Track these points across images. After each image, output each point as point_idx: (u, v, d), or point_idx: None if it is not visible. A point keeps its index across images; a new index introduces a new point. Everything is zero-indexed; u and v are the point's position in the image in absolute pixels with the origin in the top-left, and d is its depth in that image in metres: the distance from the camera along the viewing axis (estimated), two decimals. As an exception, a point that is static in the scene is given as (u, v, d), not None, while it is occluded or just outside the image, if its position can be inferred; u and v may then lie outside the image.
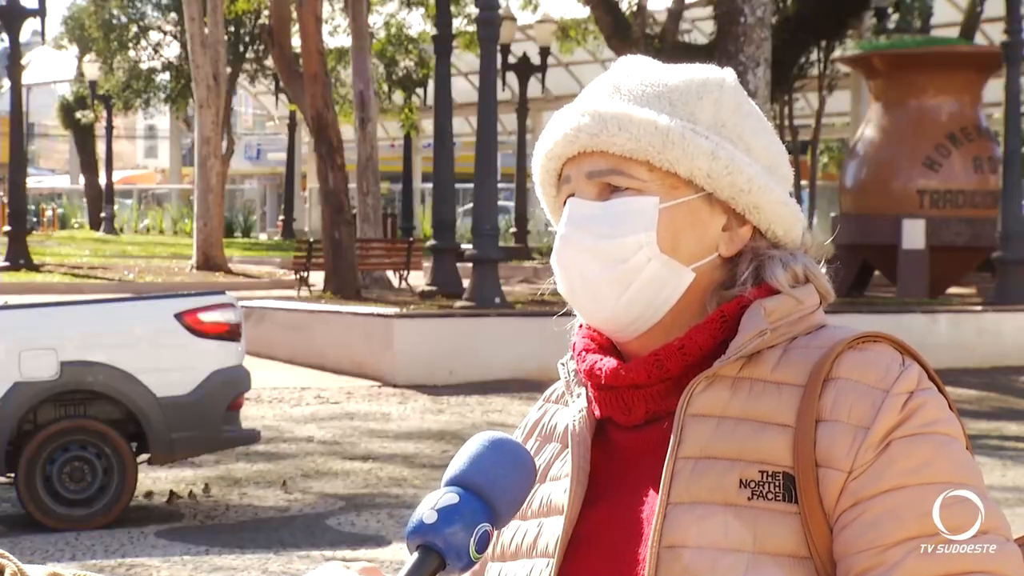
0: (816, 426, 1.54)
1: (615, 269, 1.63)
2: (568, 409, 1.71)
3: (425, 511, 1.50)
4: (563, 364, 1.74)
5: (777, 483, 1.53)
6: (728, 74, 1.71)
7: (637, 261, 1.62)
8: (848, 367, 1.57)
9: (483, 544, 1.50)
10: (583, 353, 1.70)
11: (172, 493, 9.95)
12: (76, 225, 50.11)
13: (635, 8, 22.71)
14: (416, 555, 1.49)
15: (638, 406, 1.63)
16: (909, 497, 1.51)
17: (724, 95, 1.67)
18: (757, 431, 1.56)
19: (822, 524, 1.53)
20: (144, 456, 9.48)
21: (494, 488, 1.52)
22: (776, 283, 1.63)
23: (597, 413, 1.67)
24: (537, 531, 1.66)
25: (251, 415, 12.59)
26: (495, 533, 1.54)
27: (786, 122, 31.25)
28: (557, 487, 1.66)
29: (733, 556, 1.51)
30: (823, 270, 1.69)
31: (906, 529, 1.50)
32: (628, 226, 1.62)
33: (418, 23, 37.32)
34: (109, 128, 45.36)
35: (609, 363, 1.65)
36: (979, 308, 19.26)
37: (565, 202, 1.68)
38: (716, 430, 1.57)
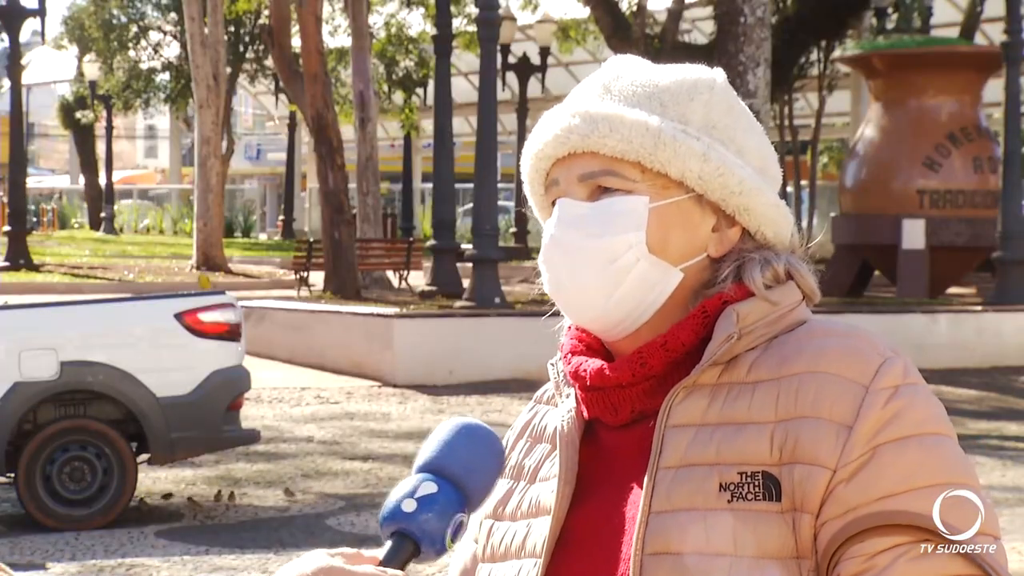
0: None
1: (604, 269, 1.62)
2: (557, 410, 1.71)
3: (403, 499, 1.52)
4: (552, 365, 1.74)
5: (757, 483, 1.52)
6: (718, 74, 1.70)
7: (626, 261, 1.62)
8: (827, 360, 1.56)
9: (457, 532, 1.51)
10: (569, 355, 1.70)
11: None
12: (76, 225, 50.09)
13: (635, 8, 22.71)
14: (392, 541, 1.52)
15: (624, 406, 1.63)
16: (899, 505, 1.50)
17: (715, 96, 1.67)
18: (734, 433, 1.55)
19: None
20: (144, 456, 9.48)
21: (469, 477, 1.53)
22: (752, 285, 1.62)
23: (585, 414, 1.67)
24: (526, 532, 1.66)
25: (251, 415, 12.58)
26: (468, 522, 1.55)
27: (786, 122, 31.25)
28: (546, 488, 1.67)
29: (716, 560, 1.51)
30: (810, 270, 1.68)
31: (895, 538, 1.49)
32: (618, 226, 1.62)
33: (418, 23, 37.32)
34: (109, 128, 45.34)
35: (594, 364, 1.65)
36: (979, 308, 19.25)
37: (554, 203, 1.68)
38: (695, 438, 1.56)
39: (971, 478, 1.54)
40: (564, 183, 1.66)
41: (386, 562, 1.49)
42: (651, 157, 1.62)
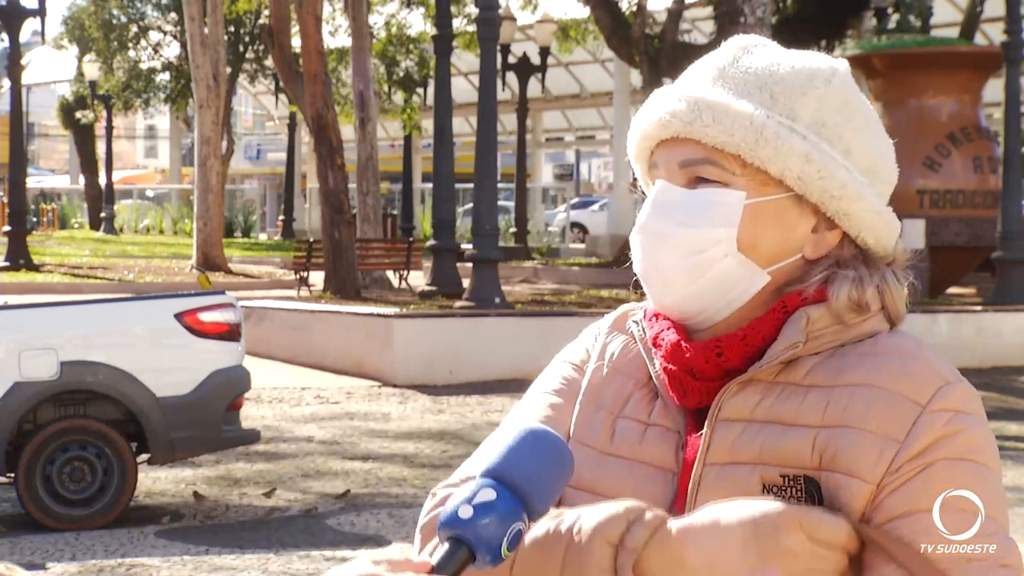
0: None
1: (689, 260, 1.60)
2: (644, 353, 1.69)
3: (460, 504, 1.47)
4: (637, 323, 1.72)
5: (799, 487, 1.52)
6: (840, 65, 1.65)
7: (712, 255, 1.59)
8: (884, 377, 1.54)
9: (515, 543, 1.47)
10: (654, 318, 1.68)
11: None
12: (76, 225, 50.09)
13: (635, 8, 22.72)
14: (447, 546, 1.47)
15: (692, 394, 1.61)
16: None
17: (830, 91, 1.62)
18: (780, 434, 1.54)
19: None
20: (144, 456, 9.48)
21: (531, 486, 1.48)
22: (832, 299, 1.59)
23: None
24: (628, 474, 1.63)
25: (251, 415, 12.58)
26: (528, 531, 1.51)
27: (786, 122, 31.23)
28: (654, 441, 1.63)
29: None
30: (905, 284, 1.64)
31: (936, 558, 1.49)
32: (710, 218, 1.59)
33: (418, 23, 37.31)
34: (109, 128, 45.35)
35: (671, 337, 1.63)
36: (979, 308, 19.24)
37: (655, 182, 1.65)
38: (742, 434, 1.55)
39: (1002, 515, 1.54)
40: (664, 167, 1.63)
41: (439, 568, 1.45)
42: (751, 152, 1.58)
